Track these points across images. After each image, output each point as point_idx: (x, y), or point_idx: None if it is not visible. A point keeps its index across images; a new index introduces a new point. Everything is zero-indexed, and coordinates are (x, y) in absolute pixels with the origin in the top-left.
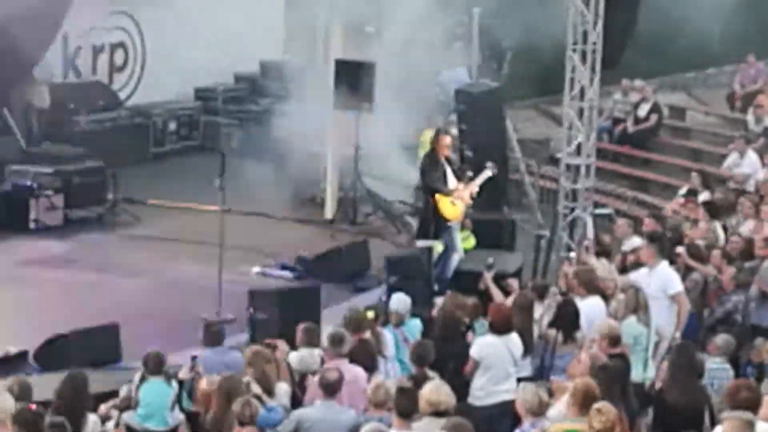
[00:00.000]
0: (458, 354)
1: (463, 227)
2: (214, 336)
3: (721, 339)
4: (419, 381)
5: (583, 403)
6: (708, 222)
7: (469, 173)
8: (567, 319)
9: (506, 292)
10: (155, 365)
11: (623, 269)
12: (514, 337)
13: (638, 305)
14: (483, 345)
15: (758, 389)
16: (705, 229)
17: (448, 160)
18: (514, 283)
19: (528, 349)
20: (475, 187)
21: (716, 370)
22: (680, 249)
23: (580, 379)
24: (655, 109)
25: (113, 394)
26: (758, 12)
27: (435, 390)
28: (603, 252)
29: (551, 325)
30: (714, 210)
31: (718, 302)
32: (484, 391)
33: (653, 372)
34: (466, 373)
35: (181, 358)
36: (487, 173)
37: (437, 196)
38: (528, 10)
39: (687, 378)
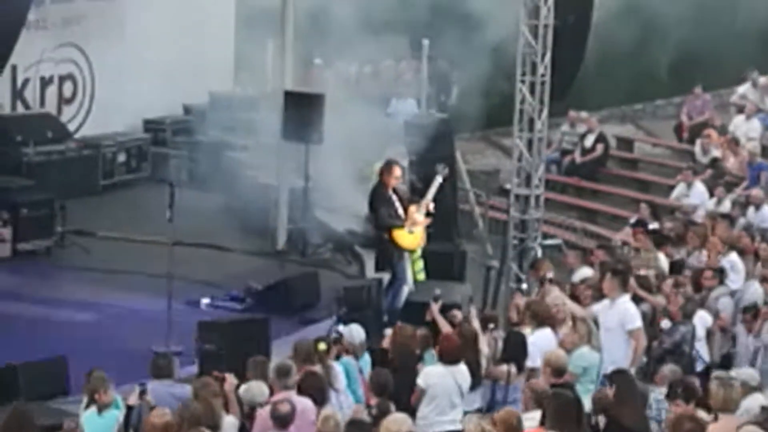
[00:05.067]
0: (412, 385)
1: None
2: (162, 368)
3: (668, 369)
4: (383, 411)
5: (537, 399)
6: (651, 251)
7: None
8: (516, 350)
9: (453, 324)
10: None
11: (573, 299)
12: (462, 368)
13: (590, 336)
14: (429, 374)
15: (701, 420)
16: (647, 258)
17: (395, 191)
18: (458, 313)
19: (476, 380)
20: (429, 199)
21: (662, 401)
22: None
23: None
24: (601, 138)
25: (60, 427)
26: (705, 44)
27: (398, 421)
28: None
29: (502, 359)
30: (659, 239)
31: (667, 333)
32: (426, 421)
33: None
34: (413, 402)
35: (130, 392)
36: (438, 180)
37: (393, 230)
38: (477, 42)
39: (634, 403)
